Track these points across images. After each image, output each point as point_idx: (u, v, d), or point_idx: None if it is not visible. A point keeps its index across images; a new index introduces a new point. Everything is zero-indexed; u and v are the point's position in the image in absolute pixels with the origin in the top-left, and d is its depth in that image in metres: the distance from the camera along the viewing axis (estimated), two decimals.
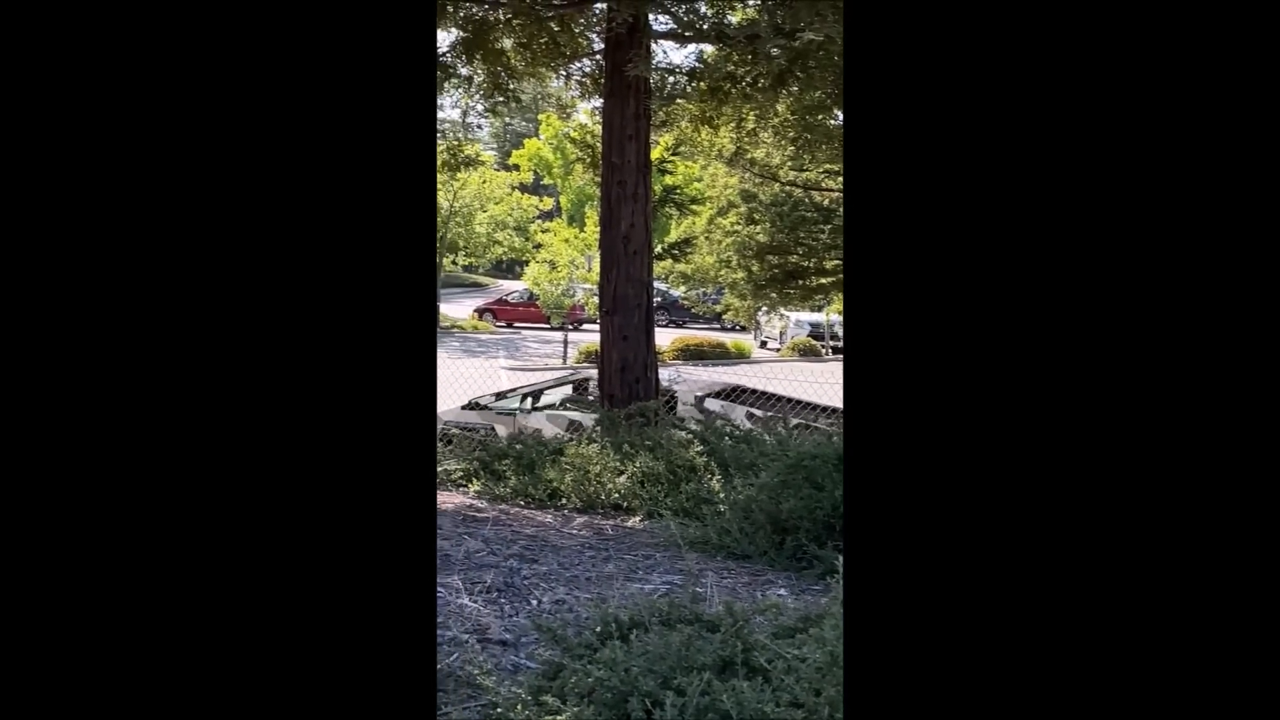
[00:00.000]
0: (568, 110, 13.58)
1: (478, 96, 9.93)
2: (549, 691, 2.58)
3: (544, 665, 2.88)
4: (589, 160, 11.41)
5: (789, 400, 9.07)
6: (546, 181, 27.35)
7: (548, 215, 27.48)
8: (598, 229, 10.60)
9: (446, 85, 9.78)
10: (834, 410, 8.69)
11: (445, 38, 9.37)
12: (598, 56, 9.69)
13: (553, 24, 8.90)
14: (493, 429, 8.12)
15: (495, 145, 46.95)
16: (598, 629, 2.89)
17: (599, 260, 9.95)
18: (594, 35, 9.60)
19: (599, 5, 8.71)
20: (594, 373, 9.47)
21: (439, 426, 7.59)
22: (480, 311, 30.45)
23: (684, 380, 9.33)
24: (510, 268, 41.85)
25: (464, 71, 9.56)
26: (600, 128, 9.30)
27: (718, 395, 8.53)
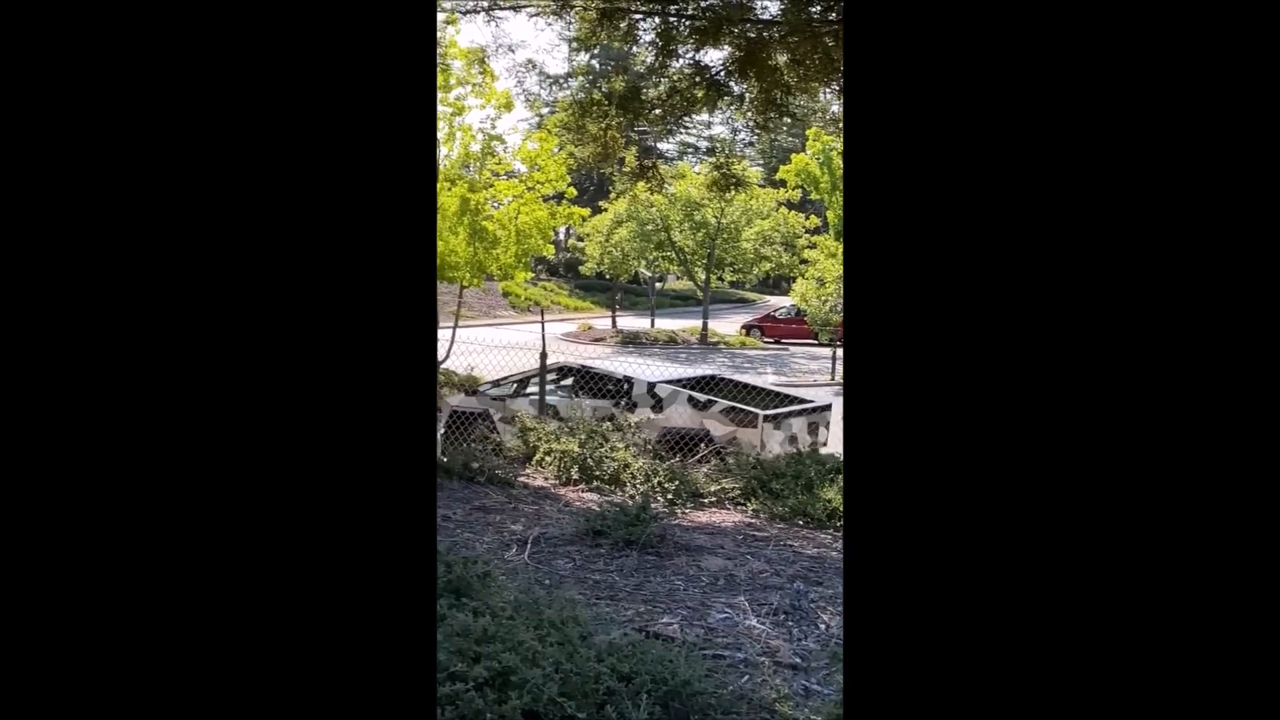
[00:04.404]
0: (839, 124, 13.41)
1: (749, 114, 9.97)
2: None
3: (840, 692, 2.81)
4: None
5: (760, 390, 9.83)
6: (814, 197, 27.16)
7: (815, 231, 27.23)
8: None
9: (719, 104, 9.88)
10: (803, 402, 9.43)
11: (718, 55, 9.48)
12: None
13: (827, 39, 8.82)
14: (488, 413, 9.34)
15: (761, 162, 47.09)
16: None
17: None
18: None
19: None
20: (570, 358, 10.28)
21: (447, 412, 8.95)
22: (747, 328, 30.45)
23: None
24: (777, 284, 41.82)
25: (737, 90, 9.61)
26: None
27: (672, 383, 8.98)
